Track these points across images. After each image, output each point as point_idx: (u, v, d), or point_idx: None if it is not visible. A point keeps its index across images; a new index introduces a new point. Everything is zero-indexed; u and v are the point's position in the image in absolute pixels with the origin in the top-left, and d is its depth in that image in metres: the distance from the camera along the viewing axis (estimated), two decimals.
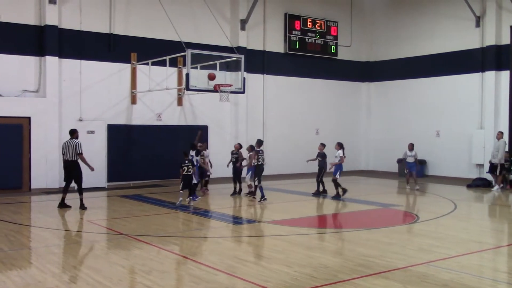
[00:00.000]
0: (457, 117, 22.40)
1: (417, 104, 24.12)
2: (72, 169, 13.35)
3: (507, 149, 19.08)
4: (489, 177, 19.36)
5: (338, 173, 15.89)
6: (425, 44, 23.79)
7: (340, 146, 16.16)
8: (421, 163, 23.19)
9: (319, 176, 16.35)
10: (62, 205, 13.49)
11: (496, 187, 18.34)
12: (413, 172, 18.36)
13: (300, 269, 7.77)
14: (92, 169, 13.47)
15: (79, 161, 13.32)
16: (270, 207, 14.36)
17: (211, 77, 15.65)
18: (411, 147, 18.44)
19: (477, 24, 21.75)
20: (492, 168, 18.63)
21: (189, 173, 13.84)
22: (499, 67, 21.13)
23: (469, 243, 9.88)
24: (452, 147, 22.26)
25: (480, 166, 20.95)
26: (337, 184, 15.82)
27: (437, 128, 23.18)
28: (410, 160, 18.35)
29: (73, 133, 13.56)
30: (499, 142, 18.59)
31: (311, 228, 11.83)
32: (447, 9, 22.96)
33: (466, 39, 22.12)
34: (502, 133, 18.96)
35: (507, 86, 20.74)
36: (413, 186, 18.20)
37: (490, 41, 21.35)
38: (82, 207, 13.32)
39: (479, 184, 19.19)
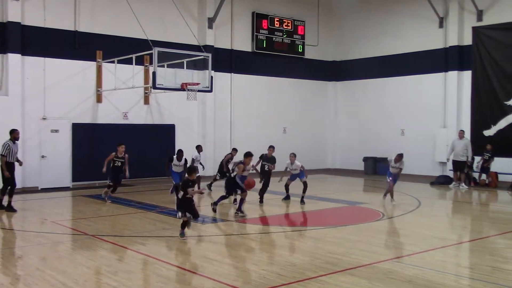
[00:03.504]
0: (421, 116, 22.84)
1: (382, 103, 24.49)
2: None
3: None
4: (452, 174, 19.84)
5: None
6: (390, 44, 24.17)
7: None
8: (386, 162, 23.57)
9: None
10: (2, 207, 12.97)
11: (463, 185, 18.68)
12: (392, 183, 14.58)
13: (268, 268, 7.80)
14: (7, 175, 12.72)
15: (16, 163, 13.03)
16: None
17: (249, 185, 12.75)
18: (398, 158, 14.47)
19: (441, 25, 22.22)
20: (458, 166, 18.90)
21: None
22: (461, 67, 21.65)
23: (433, 239, 10.08)
24: (416, 145, 22.67)
25: (443, 164, 21.40)
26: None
27: (401, 126, 23.59)
28: (394, 171, 14.64)
29: (10, 133, 13.02)
30: (464, 141, 18.92)
31: (279, 226, 11.88)
32: (411, 9, 23.38)
33: (430, 39, 22.58)
34: (463, 131, 19.41)
35: (469, 86, 21.31)
36: (390, 199, 14.60)
37: (453, 41, 21.84)
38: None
39: (442, 182, 19.61)
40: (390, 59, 24.20)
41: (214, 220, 12.13)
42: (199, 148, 17.04)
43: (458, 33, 21.69)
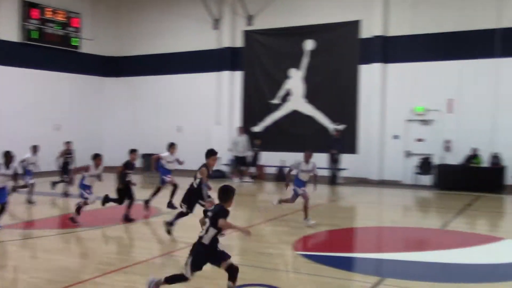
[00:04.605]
0: (197, 113, 23.77)
1: (161, 100, 24.81)
2: None
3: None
4: (224, 168, 21.19)
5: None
6: (168, 42, 24.56)
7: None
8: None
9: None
10: None
11: (247, 178, 20.18)
12: (305, 194, 11.14)
13: (38, 275, 7.34)
14: None
15: None
16: (8, 210, 13.15)
17: None
18: (309, 155, 11.32)
19: (215, 27, 23.35)
20: (240, 161, 20.37)
21: None
22: (233, 68, 23.11)
23: None
24: (193, 141, 23.41)
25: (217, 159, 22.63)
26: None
27: (178, 123, 24.20)
28: (304, 177, 11.26)
29: None
30: (244, 137, 20.58)
31: (51, 229, 11.19)
32: (187, 10, 24.07)
33: (205, 40, 23.57)
34: (243, 128, 21.04)
35: (240, 86, 22.95)
36: (308, 221, 11.07)
37: (226, 43, 23.17)
38: None
39: (217, 176, 20.66)
40: (168, 57, 24.62)
41: None
42: (35, 149, 14.55)
43: (231, 36, 23.10)
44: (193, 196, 9.53)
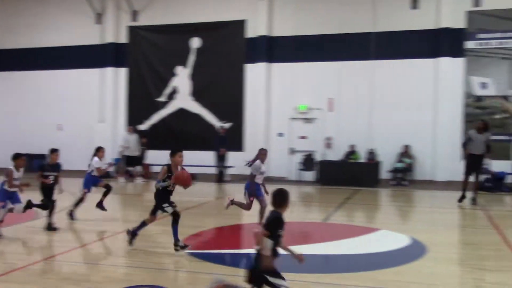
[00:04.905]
0: (79, 111, 22.86)
1: (38, 96, 23.54)
2: None
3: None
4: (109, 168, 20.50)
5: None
6: (48, 36, 23.35)
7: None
8: (41, 158, 22.69)
9: None
10: None
11: (140, 178, 19.69)
12: (261, 198, 10.24)
13: None
14: None
15: None
16: None
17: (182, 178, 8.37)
18: (265, 155, 10.49)
19: (97, 21, 22.53)
20: (132, 161, 19.97)
21: None
22: (117, 64, 22.47)
23: (91, 233, 10.20)
24: (75, 140, 22.53)
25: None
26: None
27: (59, 121, 23.07)
28: (260, 180, 10.29)
29: None
30: (133, 136, 20.18)
31: None
32: (68, 2, 23.04)
33: (87, 34, 22.71)
34: (133, 127, 20.56)
35: (125, 82, 22.37)
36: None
37: (109, 38, 22.47)
38: None
39: (100, 176, 19.98)
40: (46, 52, 23.37)
41: None
42: None
43: (115, 31, 22.42)
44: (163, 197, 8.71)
